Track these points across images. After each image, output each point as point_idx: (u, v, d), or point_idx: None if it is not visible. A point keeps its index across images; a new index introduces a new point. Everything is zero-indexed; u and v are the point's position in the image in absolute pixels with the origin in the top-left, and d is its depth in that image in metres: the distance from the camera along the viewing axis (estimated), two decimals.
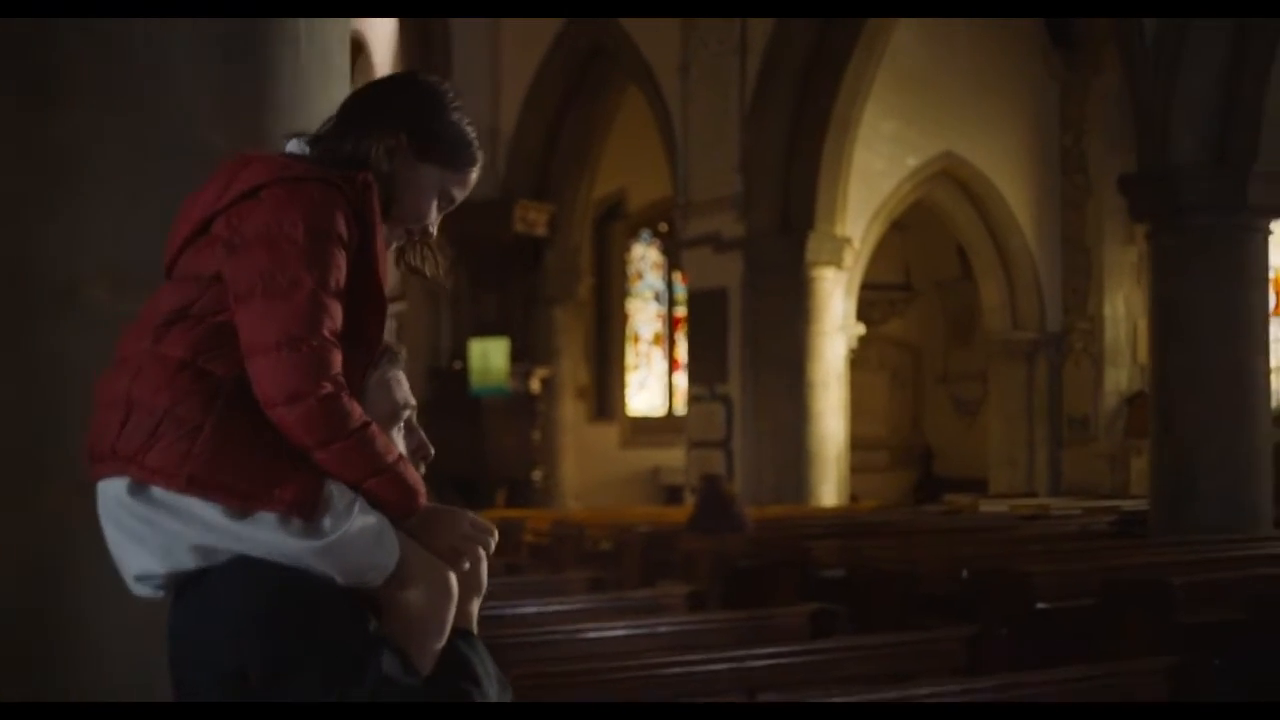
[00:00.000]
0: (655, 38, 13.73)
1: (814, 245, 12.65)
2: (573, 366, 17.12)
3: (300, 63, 2.49)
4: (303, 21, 2.51)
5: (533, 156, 16.34)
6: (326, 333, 2.29)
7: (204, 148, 2.48)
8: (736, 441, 12.87)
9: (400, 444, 2.54)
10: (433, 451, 2.62)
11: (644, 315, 19.30)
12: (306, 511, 2.30)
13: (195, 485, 2.27)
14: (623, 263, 19.00)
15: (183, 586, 2.33)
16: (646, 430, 18.55)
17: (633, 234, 19.01)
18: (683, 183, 13.48)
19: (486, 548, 2.45)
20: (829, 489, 12.77)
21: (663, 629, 5.37)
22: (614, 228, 18.75)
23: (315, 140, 2.46)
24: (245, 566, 2.31)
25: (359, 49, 18.90)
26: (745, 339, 12.80)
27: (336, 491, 2.34)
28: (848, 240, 12.91)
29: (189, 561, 2.32)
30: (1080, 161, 13.86)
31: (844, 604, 7.92)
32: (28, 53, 2.37)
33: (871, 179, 13.15)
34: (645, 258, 19.14)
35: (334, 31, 2.57)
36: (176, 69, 2.42)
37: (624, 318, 19.20)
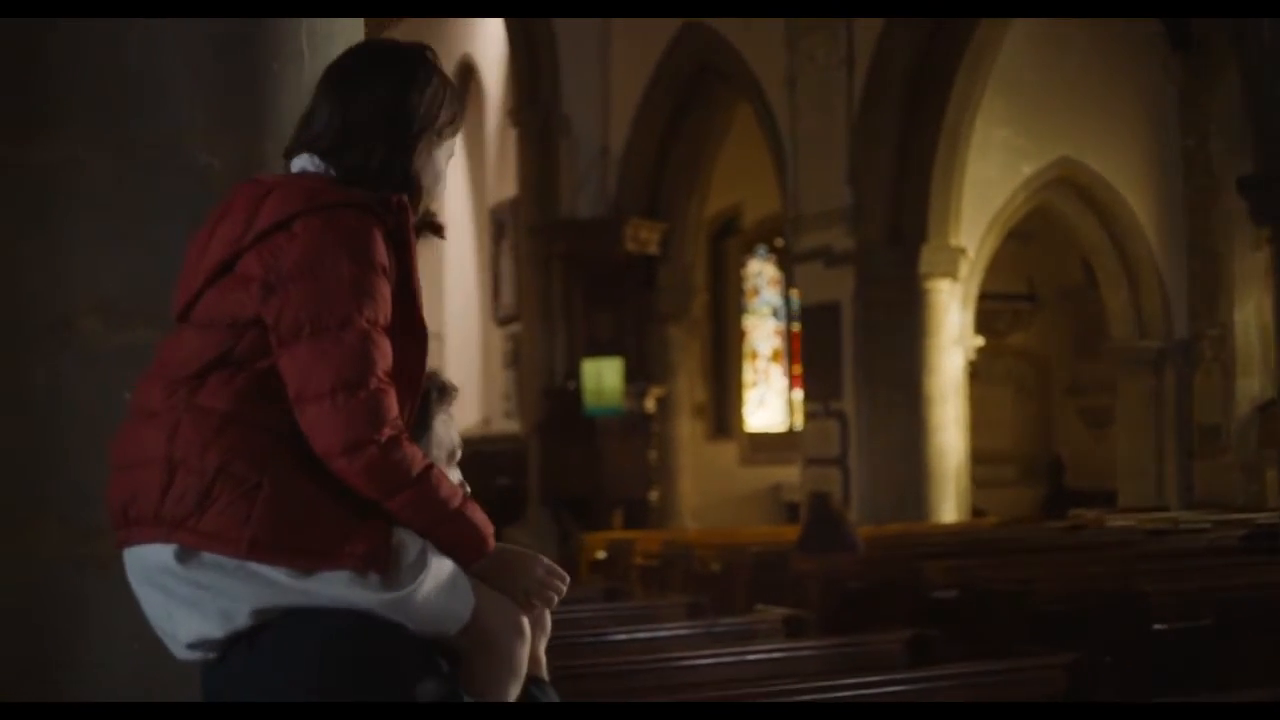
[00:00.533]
0: (761, 52, 13.58)
1: (927, 257, 12.39)
2: (689, 384, 16.98)
3: (305, 77, 2.38)
4: (305, 28, 2.40)
5: (643, 175, 16.26)
6: (381, 373, 2.15)
7: (198, 170, 2.38)
8: (852, 458, 12.63)
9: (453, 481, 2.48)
10: (469, 490, 2.51)
11: (761, 331, 19.11)
12: (380, 565, 2.17)
13: (259, 549, 2.13)
14: (739, 279, 18.84)
15: (232, 643, 2.20)
16: (766, 447, 18.35)
17: (748, 249, 18.84)
18: (793, 197, 13.30)
19: (559, 593, 2.35)
20: (948, 505, 12.48)
21: (752, 657, 5.21)
22: (729, 244, 18.60)
23: (328, 154, 2.30)
24: (310, 621, 2.18)
25: (469, 72, 19.00)
26: (859, 354, 12.57)
27: (407, 539, 2.22)
28: (962, 251, 12.63)
29: (249, 622, 2.18)
30: (1204, 165, 13.42)
31: (955, 626, 7.69)
32: (9, 73, 2.29)
33: (985, 188, 12.85)
34: (762, 273, 18.95)
35: (342, 39, 2.45)
36: (170, 89, 2.32)
37: (741, 334, 19.02)
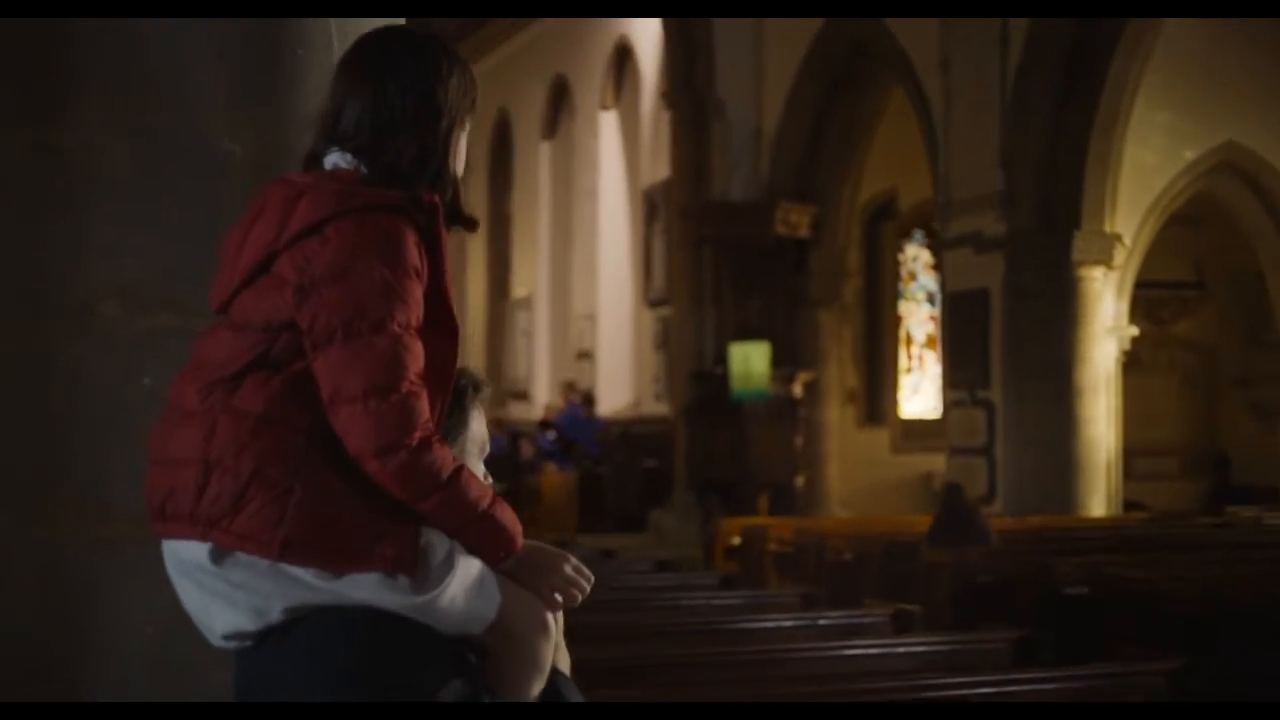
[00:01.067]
0: (915, 33, 13.33)
1: (1080, 244, 12.06)
2: (839, 370, 16.80)
3: (331, 63, 2.37)
4: (334, 22, 2.38)
5: (796, 157, 16.10)
6: (413, 376, 2.20)
7: (221, 159, 2.38)
8: (999, 448, 12.37)
9: (480, 475, 2.49)
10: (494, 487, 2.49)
11: (917, 317, 18.80)
12: (409, 567, 2.24)
13: (291, 551, 2.19)
14: (894, 263, 18.56)
15: (266, 635, 2.27)
16: (919, 434, 18.05)
17: (904, 234, 18.55)
18: (943, 181, 13.06)
19: (584, 592, 2.38)
20: (1098, 499, 12.16)
21: (849, 652, 5.13)
22: (885, 228, 18.32)
23: (361, 151, 2.30)
24: (341, 618, 2.25)
25: (626, 54, 19.02)
26: (1007, 342, 12.30)
27: (436, 540, 2.28)
28: (1118, 238, 12.26)
29: (282, 618, 2.25)
30: None
31: (1083, 623, 7.48)
32: (34, 60, 2.31)
33: (1144, 173, 12.46)
34: (918, 258, 18.64)
35: (375, 22, 2.43)
36: (192, 74, 2.33)
37: (896, 320, 18.74)
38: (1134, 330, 12.73)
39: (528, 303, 22.55)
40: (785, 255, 16.01)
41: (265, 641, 2.27)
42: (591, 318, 20.20)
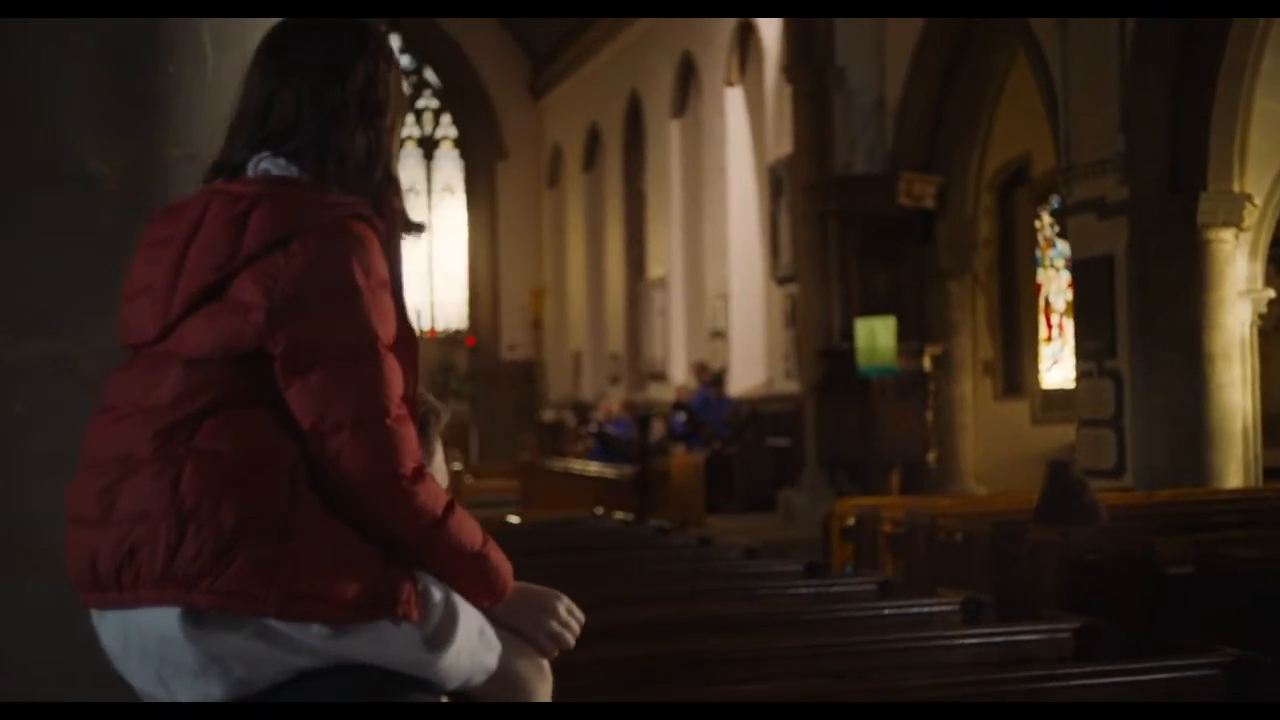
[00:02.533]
0: None
1: (1207, 206, 11.59)
2: (972, 342, 16.44)
3: (208, 78, 2.30)
4: (207, 32, 2.31)
5: (920, 127, 15.78)
6: (400, 399, 2.04)
7: (89, 179, 2.31)
8: (1127, 420, 11.97)
9: None
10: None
11: (1056, 284, 18.30)
12: (410, 610, 2.07)
13: (291, 606, 1.98)
14: (1030, 230, 18.09)
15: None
16: (1060, 405, 17.56)
17: (1040, 200, 18.06)
18: (1064, 145, 12.65)
19: (575, 635, 2.26)
20: (1233, 469, 11.69)
21: (899, 645, 4.96)
22: (1018, 194, 17.86)
23: (297, 153, 2.10)
24: (333, 683, 2.06)
25: (750, 30, 18.80)
26: (1133, 309, 11.88)
27: (432, 587, 2.13)
28: (1248, 198, 11.76)
29: (268, 684, 2.04)
30: None
31: (1190, 607, 7.19)
32: None
33: (1275, 127, 11.92)
34: (1055, 225, 18.13)
35: (253, 35, 2.36)
36: (58, 92, 2.26)
37: (1035, 288, 18.27)
38: (1270, 293, 12.21)
39: (663, 283, 22.49)
40: (912, 227, 15.70)
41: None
42: (724, 296, 20.06)
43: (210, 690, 2.01)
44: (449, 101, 29.88)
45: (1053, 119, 12.95)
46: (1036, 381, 18.11)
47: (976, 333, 16.64)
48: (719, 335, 20.19)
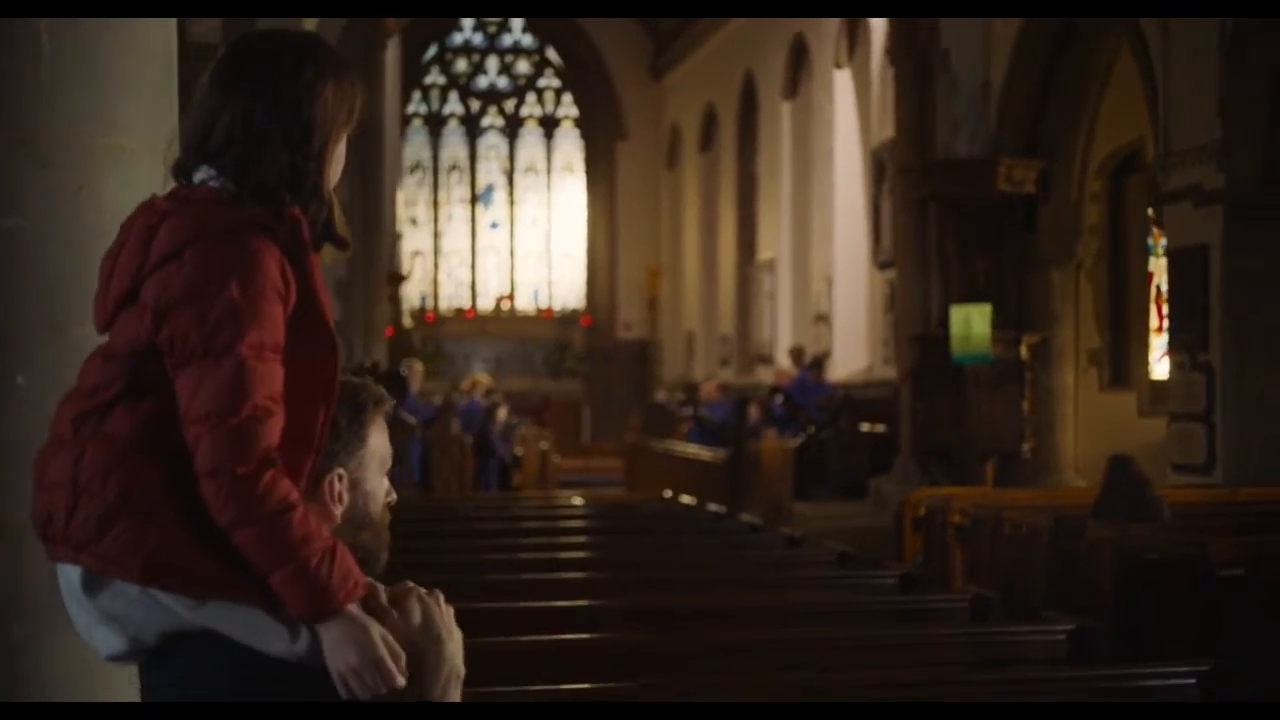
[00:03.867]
0: None
1: None
2: (1074, 331, 16.09)
3: (42, 74, 2.34)
4: (45, 32, 2.35)
5: (1023, 111, 15.44)
6: (261, 400, 2.22)
7: None
8: (1219, 415, 11.65)
9: (382, 491, 2.53)
10: (395, 498, 2.57)
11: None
12: (257, 596, 2.25)
13: (151, 574, 2.24)
14: (1143, 218, 17.62)
15: (155, 656, 2.33)
16: (1168, 397, 17.15)
17: (1153, 187, 17.59)
18: (1162, 131, 12.33)
19: (376, 692, 2.27)
20: None
21: (897, 642, 4.89)
22: (1130, 181, 17.41)
23: (231, 168, 2.30)
24: (213, 644, 2.28)
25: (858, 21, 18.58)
26: (1227, 301, 11.54)
27: None
28: None
29: (155, 642, 2.31)
30: None
31: (1240, 610, 6.99)
32: None
33: None
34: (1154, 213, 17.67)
35: (91, 31, 2.40)
36: None
37: (1146, 277, 17.82)
38: None
39: (771, 265, 22.38)
40: (1013, 213, 15.40)
41: (146, 665, 2.34)
42: (829, 281, 19.90)
43: (114, 643, 2.31)
44: (570, 81, 30.02)
45: (1153, 104, 12.63)
46: (1145, 373, 17.66)
47: (1079, 322, 16.26)
48: (822, 319, 20.05)
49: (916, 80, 16.00)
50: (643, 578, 6.22)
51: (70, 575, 2.29)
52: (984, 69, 15.70)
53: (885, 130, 17.59)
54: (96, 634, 2.32)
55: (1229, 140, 11.48)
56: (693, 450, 18.11)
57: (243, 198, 2.28)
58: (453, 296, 29.85)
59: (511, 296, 29.89)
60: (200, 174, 2.33)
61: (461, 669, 2.38)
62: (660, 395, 26.39)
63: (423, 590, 2.40)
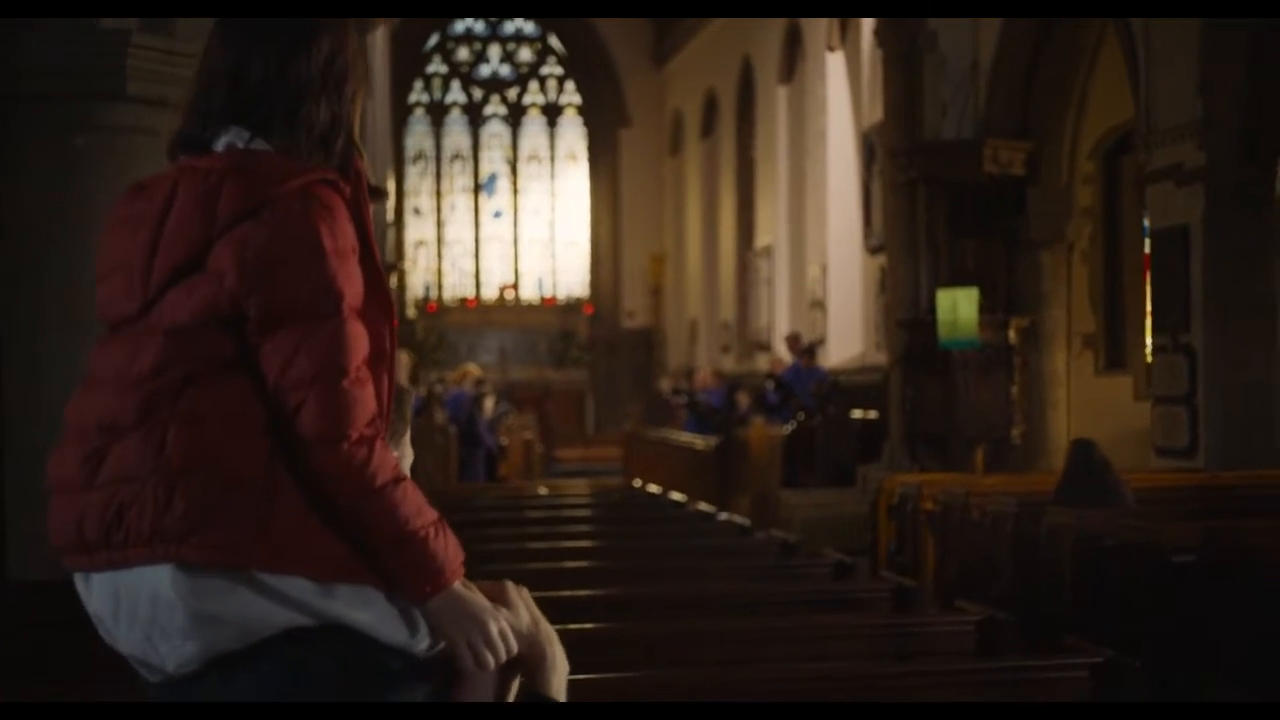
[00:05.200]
0: None
1: None
2: (1065, 315, 15.89)
3: None
4: None
5: (1012, 92, 15.25)
6: (361, 362, 2.11)
7: None
8: (1200, 397, 11.46)
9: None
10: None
11: None
12: (388, 584, 2.14)
13: (276, 557, 2.06)
14: (1137, 200, 17.40)
15: (234, 660, 2.11)
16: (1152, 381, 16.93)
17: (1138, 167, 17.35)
18: (1144, 110, 12.14)
19: (499, 660, 2.19)
20: None
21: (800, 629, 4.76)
22: (1125, 162, 17.19)
23: (265, 122, 2.18)
24: (332, 643, 2.12)
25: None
26: (1208, 282, 11.36)
27: None
28: None
29: (241, 645, 2.09)
30: None
31: (1194, 597, 6.83)
32: None
33: None
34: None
35: None
36: None
37: (1143, 259, 17.58)
38: None
39: (768, 251, 22.22)
40: (1002, 195, 15.21)
41: (212, 670, 2.11)
42: (823, 266, 19.73)
43: (194, 651, 2.07)
44: (573, 68, 29.87)
45: (1135, 83, 12.44)
46: (1142, 356, 17.42)
47: (1072, 305, 16.06)
48: (818, 305, 19.88)
49: (904, 61, 15.80)
50: (571, 569, 6.10)
51: (150, 578, 2.06)
52: (972, 49, 15.52)
53: (876, 113, 17.42)
54: (172, 642, 2.07)
55: (1209, 117, 11.28)
56: (686, 438, 17.98)
57: (290, 151, 2.17)
58: (456, 286, 29.77)
59: (515, 286, 29.79)
60: (229, 136, 2.19)
61: (568, 666, 2.30)
62: (664, 383, 26.27)
63: (514, 585, 2.31)
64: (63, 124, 5.70)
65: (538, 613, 2.29)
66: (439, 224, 29.90)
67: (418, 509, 2.10)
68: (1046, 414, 15.53)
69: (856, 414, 16.78)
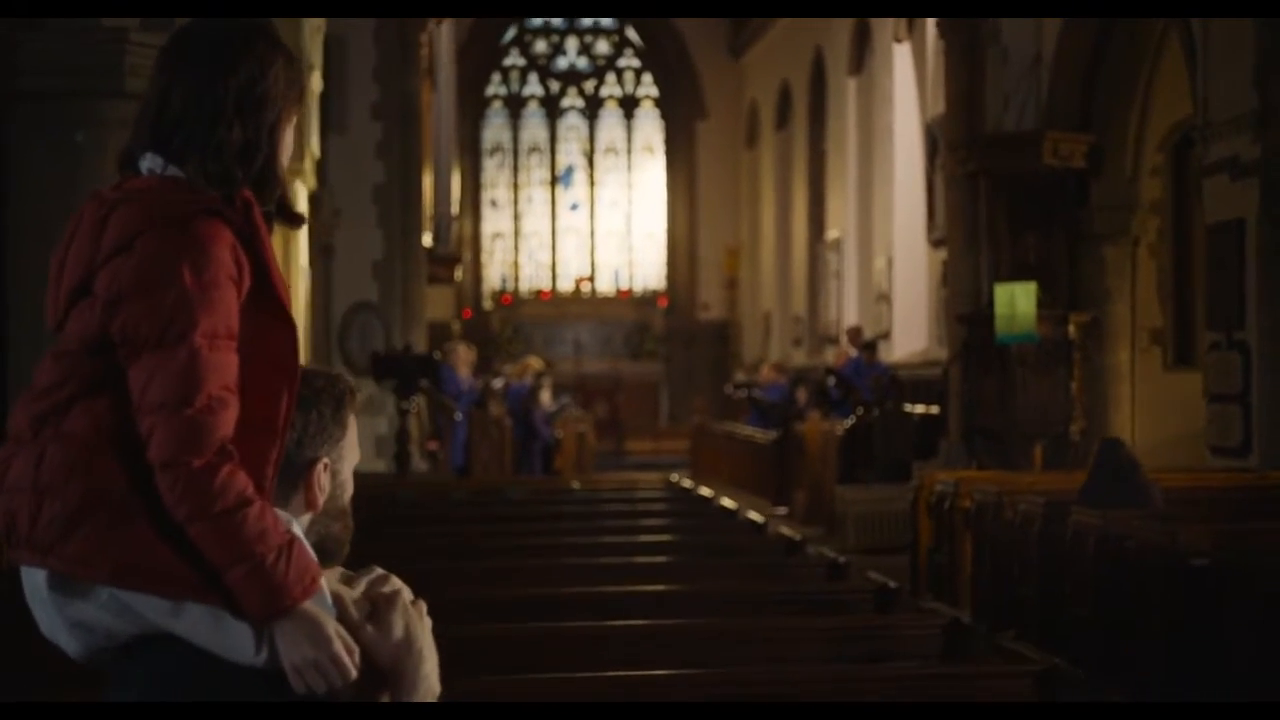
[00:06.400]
0: None
1: None
2: (1129, 310, 15.62)
3: None
4: None
5: (1075, 84, 15.01)
6: (215, 390, 2.17)
7: None
8: (1255, 395, 11.23)
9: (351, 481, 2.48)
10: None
11: None
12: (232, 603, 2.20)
13: (121, 575, 2.17)
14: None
15: (122, 652, 2.26)
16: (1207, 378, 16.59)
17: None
18: (1201, 102, 11.91)
19: (329, 687, 2.22)
20: None
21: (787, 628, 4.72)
22: (1193, 154, 16.86)
23: (179, 151, 2.28)
24: (181, 647, 2.22)
25: None
26: (1263, 277, 11.11)
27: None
28: None
29: (123, 642, 2.24)
30: None
31: (1209, 601, 6.69)
32: None
33: None
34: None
35: None
36: None
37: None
38: None
39: (838, 244, 22.08)
40: (1064, 188, 14.98)
41: (113, 661, 2.27)
42: (889, 259, 19.58)
43: (81, 646, 2.25)
44: (650, 61, 29.87)
45: (1190, 74, 12.21)
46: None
47: (1137, 300, 15.78)
48: (884, 299, 19.73)
49: (967, 54, 15.63)
50: (558, 564, 6.10)
51: (36, 578, 2.23)
52: (1036, 42, 15.29)
53: (940, 105, 17.23)
54: (62, 637, 2.26)
55: (1265, 110, 11.04)
56: (747, 432, 17.95)
57: (194, 182, 2.26)
58: (532, 279, 29.88)
59: (591, 278, 29.85)
60: (146, 162, 2.30)
61: (438, 688, 2.32)
62: (738, 376, 26.22)
63: (408, 598, 2.34)
64: (64, 120, 5.78)
65: (417, 631, 2.31)
66: (516, 216, 30.04)
67: (259, 534, 2.15)
68: (1109, 411, 15.27)
69: (918, 409, 16.63)
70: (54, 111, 5.80)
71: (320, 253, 15.45)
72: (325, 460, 2.41)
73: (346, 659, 2.21)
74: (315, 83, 12.07)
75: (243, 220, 2.25)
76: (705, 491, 9.63)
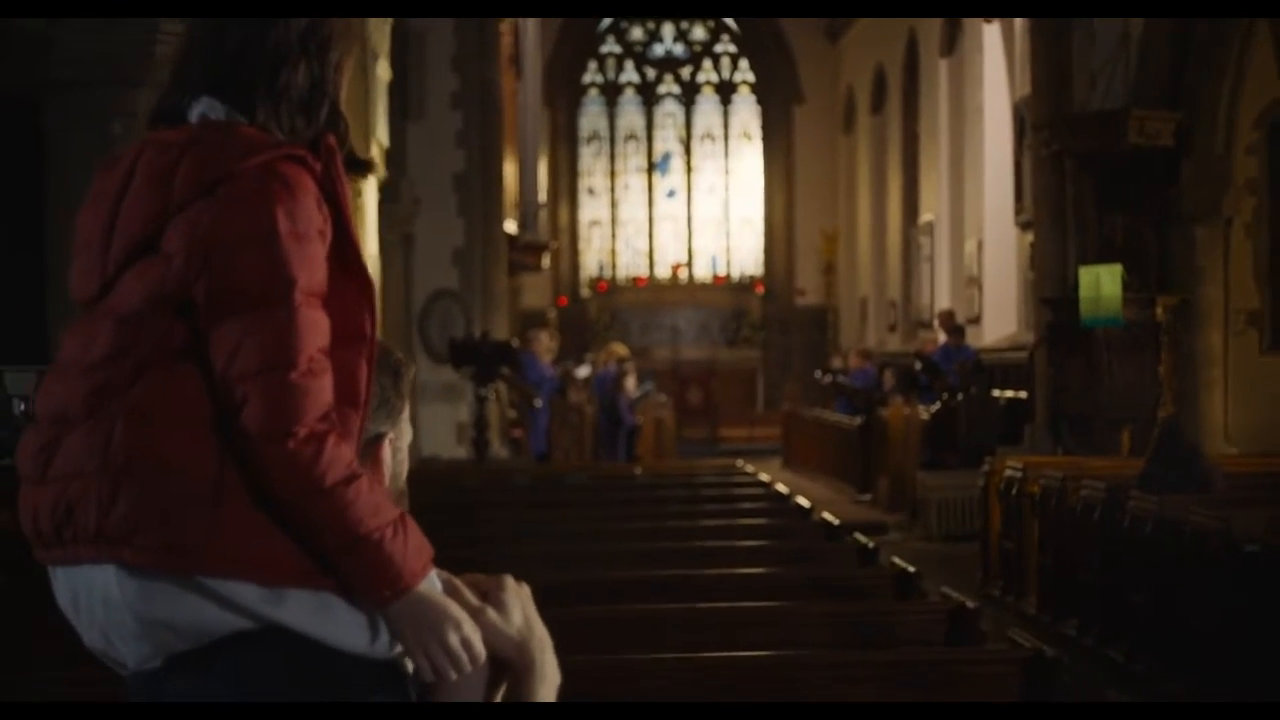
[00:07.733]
0: None
1: None
2: (1222, 292, 15.23)
3: None
4: None
5: (1163, 61, 14.66)
6: (316, 353, 1.97)
7: None
8: None
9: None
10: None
11: None
12: (345, 588, 2.01)
13: (220, 562, 1.95)
14: None
15: (187, 659, 2.03)
16: None
17: None
18: None
19: (460, 673, 2.05)
20: None
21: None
22: None
23: (240, 93, 2.06)
24: (268, 643, 2.01)
25: None
26: None
27: None
28: None
29: (195, 645, 2.01)
30: None
31: (1263, 586, 6.52)
32: None
33: None
34: None
35: None
36: None
37: None
38: None
39: (930, 228, 21.82)
40: (1152, 168, 14.66)
41: (175, 669, 2.03)
42: (979, 242, 19.31)
43: (146, 650, 2.01)
44: (746, 46, 29.71)
45: (1278, 53, 11.87)
46: None
47: (1230, 281, 15.37)
48: (974, 282, 19.47)
49: (1053, 32, 15.34)
50: (594, 548, 6.11)
51: (98, 577, 1.98)
52: (1123, 20, 14.96)
53: (1028, 85, 16.94)
54: (128, 643, 2.00)
55: None
56: (835, 419, 17.83)
57: (266, 124, 2.05)
58: (630, 265, 29.90)
59: (689, 264, 29.79)
60: (201, 107, 2.07)
61: (559, 678, 2.15)
62: (836, 362, 26.02)
63: (513, 583, 2.14)
64: (98, 110, 5.87)
65: (534, 616, 2.13)
66: (613, 204, 30.06)
67: (373, 509, 1.94)
68: (1200, 395, 14.91)
69: (1006, 394, 16.40)
70: (90, 101, 5.89)
71: (400, 241, 15.59)
72: (391, 435, 2.26)
73: (478, 640, 2.03)
74: (383, 71, 12.14)
75: (325, 169, 2.03)
76: (764, 477, 9.57)
